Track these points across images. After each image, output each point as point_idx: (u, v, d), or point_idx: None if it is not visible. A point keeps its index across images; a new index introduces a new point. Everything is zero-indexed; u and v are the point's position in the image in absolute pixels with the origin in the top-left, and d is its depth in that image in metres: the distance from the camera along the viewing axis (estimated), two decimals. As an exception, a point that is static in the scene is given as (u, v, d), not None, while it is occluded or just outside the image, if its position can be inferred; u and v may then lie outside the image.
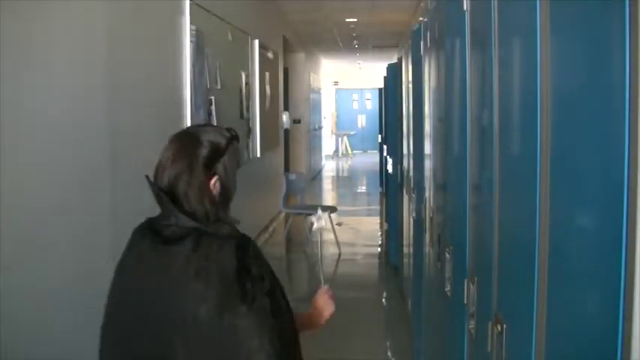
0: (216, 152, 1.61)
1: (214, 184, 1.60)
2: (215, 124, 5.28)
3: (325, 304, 1.96)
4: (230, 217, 1.65)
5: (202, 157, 1.59)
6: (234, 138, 1.67)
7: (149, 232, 1.59)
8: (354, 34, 12.72)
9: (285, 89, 11.23)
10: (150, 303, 1.53)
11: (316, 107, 16.10)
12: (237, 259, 1.49)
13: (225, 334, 1.46)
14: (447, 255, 2.26)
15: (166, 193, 1.56)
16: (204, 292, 1.46)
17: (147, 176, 1.61)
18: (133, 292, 1.58)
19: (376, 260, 7.03)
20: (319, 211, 2.35)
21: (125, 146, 3.59)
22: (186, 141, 1.62)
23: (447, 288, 2.24)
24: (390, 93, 6.78)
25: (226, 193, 1.63)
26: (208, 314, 1.45)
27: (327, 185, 14.76)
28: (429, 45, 2.99)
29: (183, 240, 1.52)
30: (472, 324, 1.79)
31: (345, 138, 20.95)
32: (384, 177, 8.91)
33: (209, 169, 1.59)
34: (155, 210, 1.60)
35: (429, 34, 2.97)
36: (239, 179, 1.69)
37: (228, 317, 1.45)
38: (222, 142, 1.63)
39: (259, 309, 1.47)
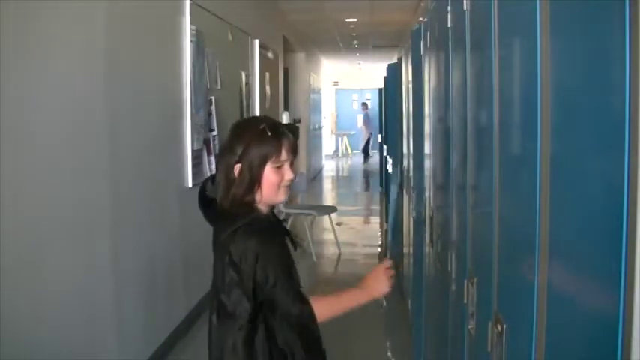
0: (244, 142, 1.80)
1: (238, 170, 1.79)
2: (215, 124, 5.29)
3: (378, 281, 1.99)
4: (252, 204, 1.83)
5: (234, 146, 1.81)
6: (263, 130, 1.80)
7: None
8: (354, 34, 12.71)
9: (285, 89, 11.23)
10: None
11: (316, 107, 16.09)
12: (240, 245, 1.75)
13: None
14: (449, 255, 2.26)
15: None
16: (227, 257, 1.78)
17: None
18: None
19: (376, 260, 7.01)
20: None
21: (125, 146, 3.59)
22: (231, 129, 1.88)
23: (453, 288, 2.24)
24: (390, 93, 6.77)
25: (250, 179, 1.79)
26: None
27: (328, 185, 14.75)
28: (429, 45, 2.99)
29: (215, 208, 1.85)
30: (472, 324, 1.79)
31: (345, 138, 20.93)
32: (384, 177, 8.91)
33: (238, 157, 1.80)
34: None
35: (429, 34, 2.97)
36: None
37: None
38: (251, 133, 1.80)
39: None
